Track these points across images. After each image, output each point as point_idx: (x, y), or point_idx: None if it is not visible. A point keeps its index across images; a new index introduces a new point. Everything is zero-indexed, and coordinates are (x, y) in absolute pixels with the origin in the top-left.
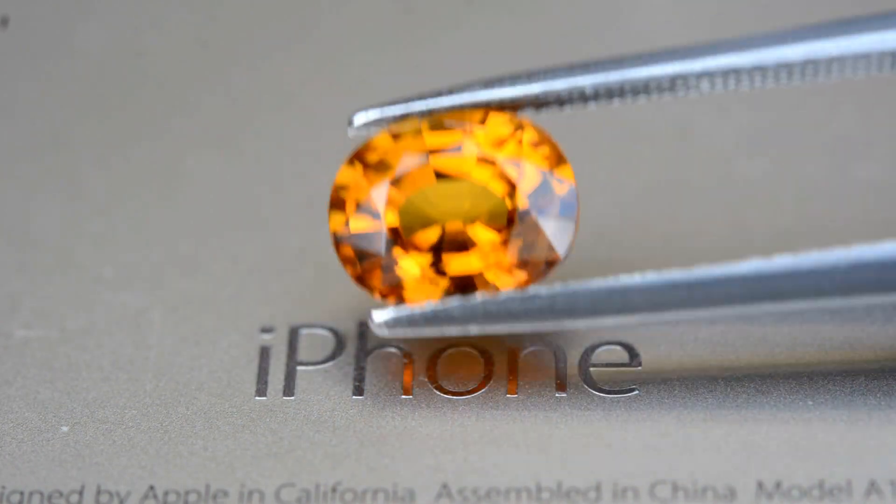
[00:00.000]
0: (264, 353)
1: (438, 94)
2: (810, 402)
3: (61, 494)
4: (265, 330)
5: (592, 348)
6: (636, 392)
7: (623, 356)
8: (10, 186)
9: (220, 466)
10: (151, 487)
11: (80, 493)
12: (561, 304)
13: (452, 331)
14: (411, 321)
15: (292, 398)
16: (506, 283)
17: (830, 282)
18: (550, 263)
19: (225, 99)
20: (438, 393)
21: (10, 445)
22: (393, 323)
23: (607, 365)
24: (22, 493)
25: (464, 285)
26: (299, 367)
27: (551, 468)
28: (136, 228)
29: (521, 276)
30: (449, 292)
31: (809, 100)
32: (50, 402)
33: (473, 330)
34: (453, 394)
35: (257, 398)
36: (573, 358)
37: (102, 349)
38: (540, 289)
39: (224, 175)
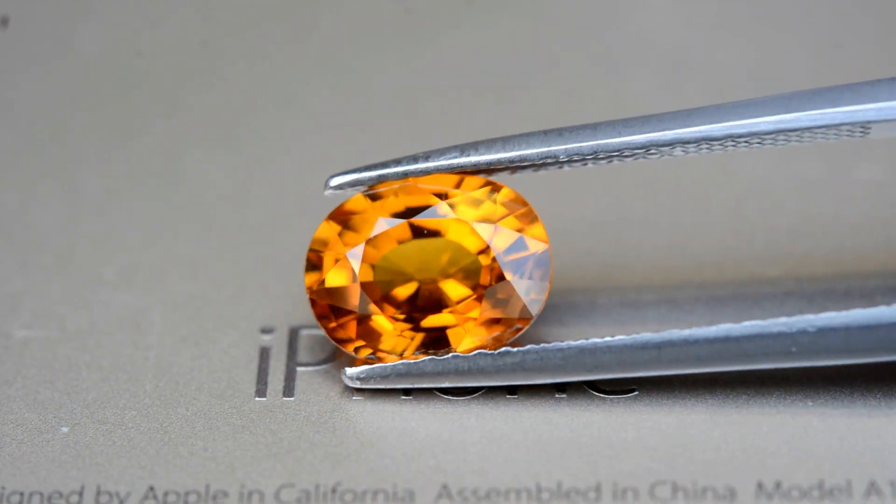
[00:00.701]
0: (264, 353)
1: (414, 159)
2: (810, 403)
3: (61, 495)
4: (265, 330)
5: None
6: (636, 392)
7: None
8: (10, 186)
9: (220, 467)
10: (151, 488)
11: (80, 493)
12: (531, 363)
13: (425, 384)
14: (384, 376)
15: (292, 399)
16: (478, 337)
17: (798, 346)
18: (523, 320)
19: (225, 99)
20: (438, 393)
21: (10, 446)
22: (366, 377)
23: None
24: (22, 494)
25: (437, 339)
26: (299, 368)
27: (551, 468)
28: (136, 228)
29: (494, 330)
30: (422, 345)
31: None
32: (50, 403)
33: (445, 383)
34: (453, 394)
35: (257, 399)
36: None
37: (102, 349)
38: (510, 349)
39: (224, 175)
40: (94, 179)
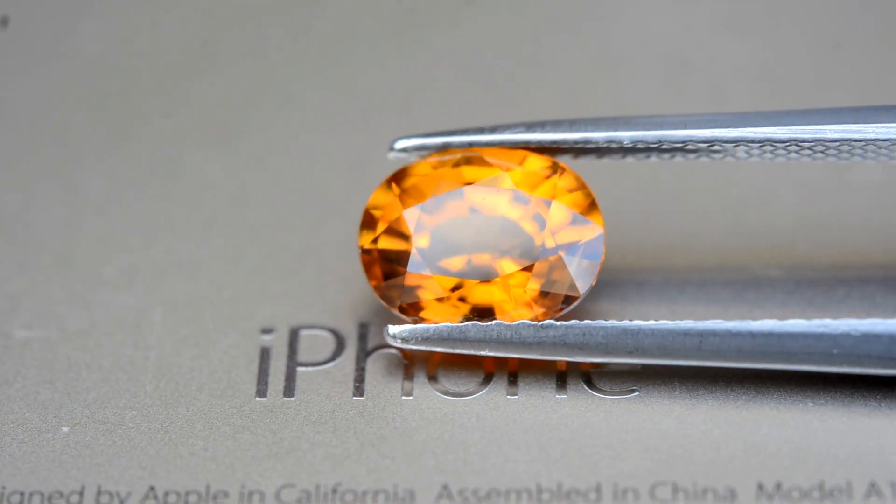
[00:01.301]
0: (264, 353)
1: (480, 130)
2: (810, 403)
3: (61, 495)
4: (265, 331)
5: None
6: (636, 392)
7: None
8: (10, 186)
9: (221, 467)
10: (152, 488)
11: (81, 493)
12: (573, 339)
13: (465, 350)
14: (426, 337)
15: (292, 399)
16: (524, 314)
17: (840, 349)
18: (570, 300)
19: (225, 99)
20: (438, 394)
21: (10, 446)
22: (408, 336)
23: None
24: (22, 494)
25: (482, 312)
26: (299, 368)
27: (551, 469)
28: (136, 228)
29: (540, 309)
30: (467, 318)
31: (809, 98)
32: (50, 403)
33: (485, 351)
34: (453, 394)
35: (257, 399)
36: None
37: (102, 349)
38: (554, 322)
39: (224, 175)
40: (94, 179)
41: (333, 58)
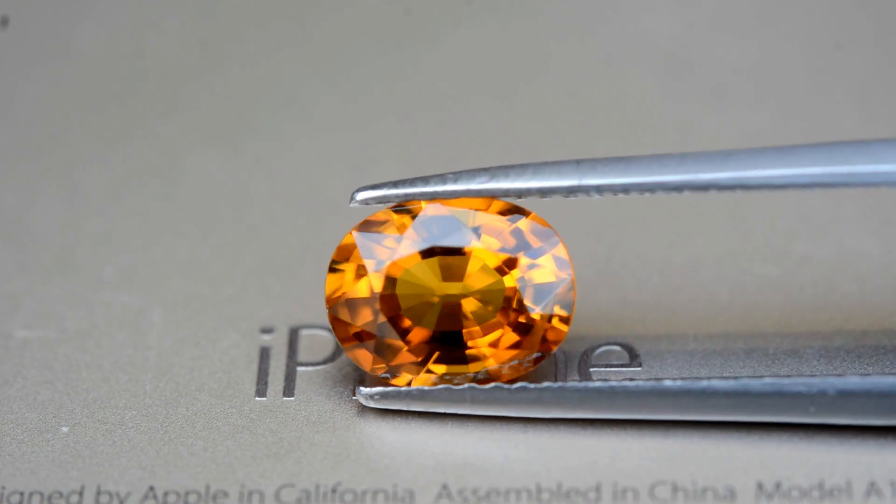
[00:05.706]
0: (264, 353)
1: (443, 180)
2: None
3: (61, 495)
4: (265, 330)
5: (593, 349)
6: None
7: (623, 356)
8: (10, 186)
9: (220, 467)
10: (151, 488)
11: (80, 493)
12: (548, 400)
13: (439, 409)
14: (398, 398)
15: (292, 399)
16: (497, 361)
17: (816, 406)
18: (544, 349)
19: (225, 99)
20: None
21: (10, 445)
22: (380, 397)
23: (607, 365)
24: (22, 494)
25: (454, 357)
26: (299, 368)
27: (551, 468)
28: (136, 228)
29: (514, 356)
30: (438, 361)
31: (809, 98)
32: (50, 403)
33: (460, 411)
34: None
35: (257, 399)
36: (573, 358)
37: (102, 349)
38: (527, 384)
39: (224, 175)
40: (94, 179)
41: (333, 58)
